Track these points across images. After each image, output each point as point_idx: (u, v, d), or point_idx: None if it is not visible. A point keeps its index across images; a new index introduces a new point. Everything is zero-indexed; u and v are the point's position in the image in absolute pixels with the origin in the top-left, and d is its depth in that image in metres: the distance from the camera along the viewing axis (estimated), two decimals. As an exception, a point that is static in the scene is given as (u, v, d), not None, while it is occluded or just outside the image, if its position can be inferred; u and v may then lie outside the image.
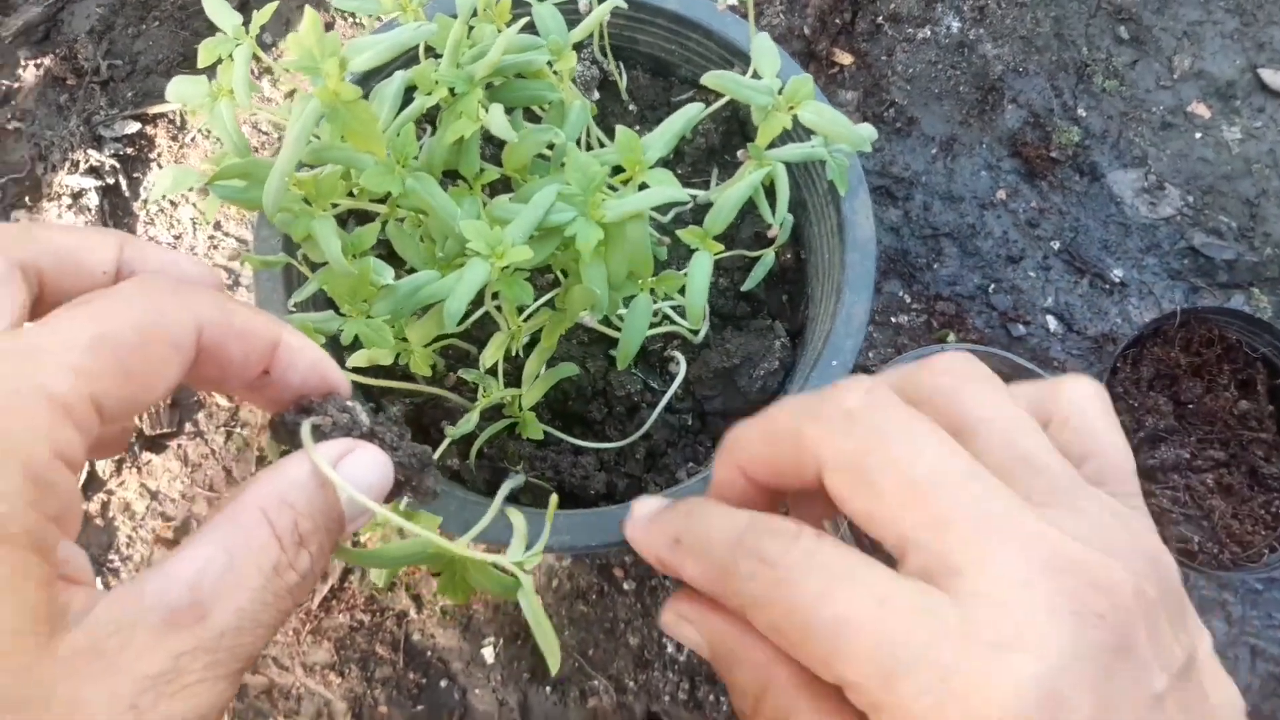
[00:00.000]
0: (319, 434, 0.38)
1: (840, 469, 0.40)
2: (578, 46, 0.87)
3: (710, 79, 0.67)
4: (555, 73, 0.73)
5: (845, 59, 1.21)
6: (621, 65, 0.88)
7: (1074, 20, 1.24)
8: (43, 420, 0.31)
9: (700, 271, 0.66)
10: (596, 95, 0.87)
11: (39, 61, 1.24)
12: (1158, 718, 0.35)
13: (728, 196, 0.67)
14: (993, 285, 1.10)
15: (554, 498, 0.55)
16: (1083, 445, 0.42)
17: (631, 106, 0.88)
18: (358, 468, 0.39)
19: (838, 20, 1.23)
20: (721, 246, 0.68)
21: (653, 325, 0.81)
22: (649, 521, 0.46)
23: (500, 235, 0.63)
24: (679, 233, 0.70)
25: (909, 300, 1.09)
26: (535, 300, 0.76)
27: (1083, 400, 0.43)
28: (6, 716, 0.28)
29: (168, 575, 0.32)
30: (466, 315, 0.80)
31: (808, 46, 1.21)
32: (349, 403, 0.41)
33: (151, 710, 0.30)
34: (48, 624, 0.29)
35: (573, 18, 0.76)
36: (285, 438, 0.39)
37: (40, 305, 0.37)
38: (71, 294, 0.37)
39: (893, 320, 1.08)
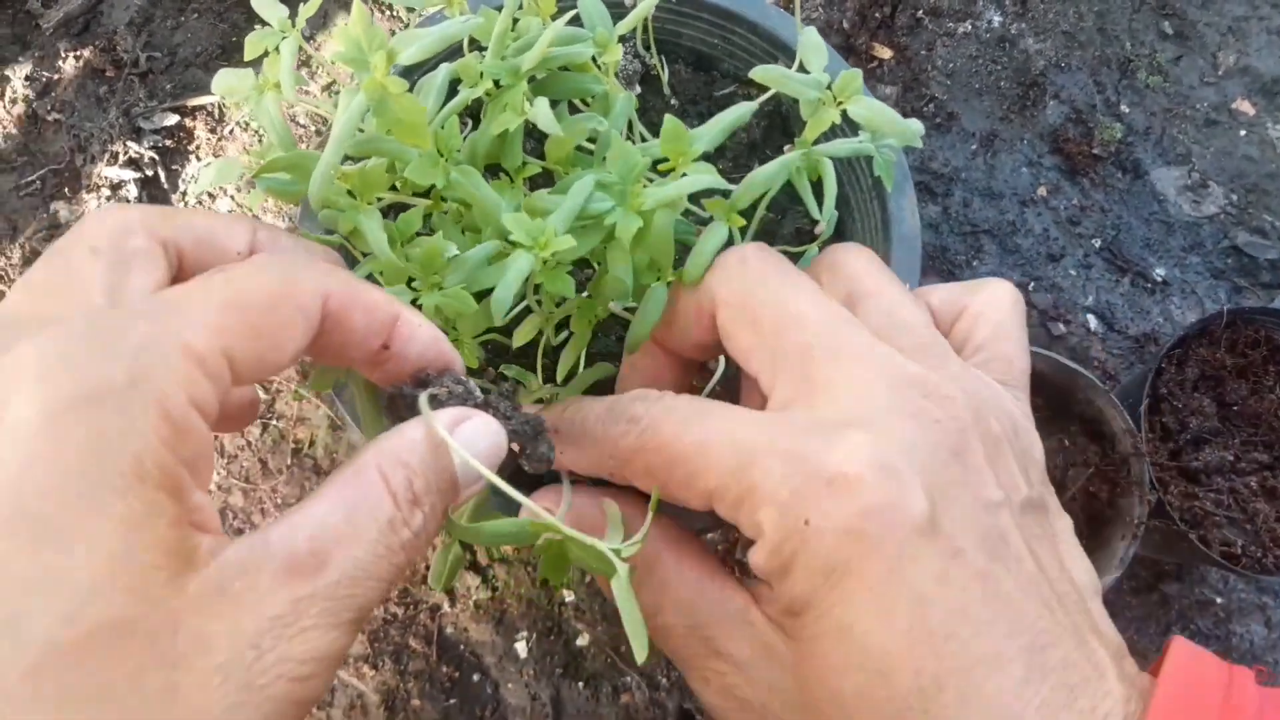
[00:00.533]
0: (435, 403, 0.40)
1: (730, 305, 0.49)
2: (621, 40, 0.87)
3: (759, 73, 0.67)
4: (600, 66, 0.73)
5: (885, 53, 1.20)
6: (664, 59, 0.87)
7: (1117, 15, 1.22)
8: (179, 368, 0.33)
9: (713, 238, 0.65)
10: (638, 89, 0.86)
11: (79, 53, 1.25)
12: (990, 520, 0.41)
13: (758, 171, 0.66)
14: (1032, 283, 1.08)
15: (655, 491, 0.51)
16: (980, 336, 0.48)
17: (673, 101, 0.87)
18: (471, 433, 0.40)
19: (877, 14, 1.21)
20: (743, 221, 0.67)
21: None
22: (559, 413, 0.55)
23: (542, 226, 0.63)
24: (705, 202, 0.69)
25: (947, 298, 1.08)
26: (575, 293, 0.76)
27: (995, 299, 0.48)
28: (136, 644, 0.29)
29: (291, 525, 0.34)
30: (510, 308, 0.80)
31: (847, 40, 1.20)
32: (463, 377, 0.44)
33: (271, 650, 0.31)
34: (178, 561, 0.31)
35: (616, 11, 0.75)
36: (404, 410, 0.40)
37: (180, 279, 0.40)
38: (208, 269, 0.39)
39: (931, 318, 1.07)
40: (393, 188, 0.73)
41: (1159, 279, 1.09)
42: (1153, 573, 0.99)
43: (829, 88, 0.68)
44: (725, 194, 0.79)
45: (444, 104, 0.70)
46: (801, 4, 1.21)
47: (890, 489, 0.40)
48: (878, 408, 0.42)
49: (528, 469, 0.43)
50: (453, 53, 0.84)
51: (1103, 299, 1.08)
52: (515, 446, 0.43)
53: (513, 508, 0.48)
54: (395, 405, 0.41)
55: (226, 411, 0.37)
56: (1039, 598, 0.40)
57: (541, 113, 0.65)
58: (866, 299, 0.47)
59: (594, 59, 0.72)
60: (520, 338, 0.75)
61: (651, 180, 0.69)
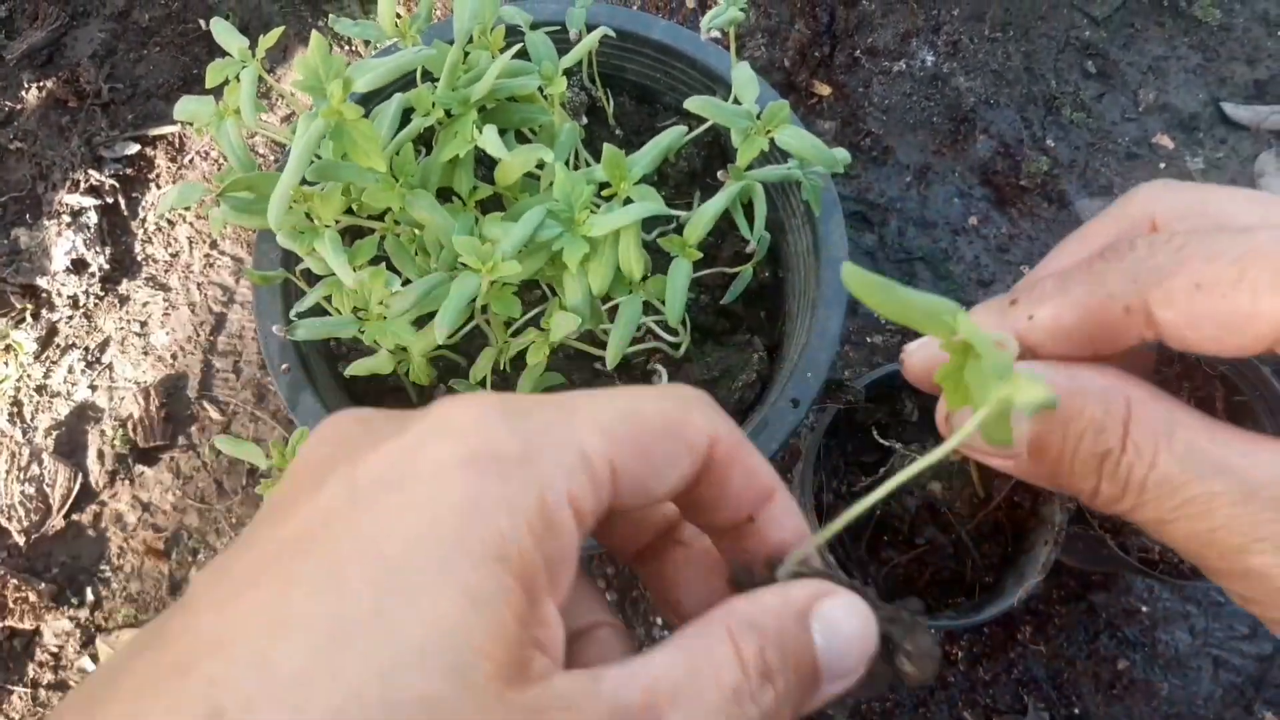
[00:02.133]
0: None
1: (1172, 217, 0.40)
2: (567, 73, 0.91)
3: (693, 104, 0.71)
4: (546, 97, 0.77)
5: (824, 90, 1.26)
6: (609, 92, 0.92)
7: (1043, 55, 1.29)
8: (566, 461, 0.31)
9: (679, 275, 0.69)
10: (585, 120, 0.91)
11: (42, 84, 1.27)
12: None
13: (706, 207, 0.71)
14: (965, 308, 1.14)
15: None
16: None
17: (618, 131, 0.92)
18: (836, 611, 0.34)
19: (817, 53, 1.27)
20: (700, 254, 0.71)
21: (636, 340, 0.84)
22: (979, 312, 0.44)
23: (491, 250, 0.66)
24: (660, 240, 0.73)
25: (883, 321, 1.13)
26: (523, 316, 0.79)
27: None
28: None
29: (630, 671, 0.31)
30: (459, 328, 0.83)
31: (788, 78, 1.26)
32: (820, 566, 0.38)
33: None
34: (507, 663, 0.28)
35: (563, 45, 0.80)
36: (747, 588, 0.36)
37: None
38: None
39: (868, 340, 1.12)
40: (350, 211, 0.76)
41: (1083, 303, 1.14)
42: (1081, 583, 1.03)
43: (759, 118, 0.73)
44: (670, 220, 0.84)
45: (398, 131, 0.74)
46: (744, 43, 1.26)
47: None
48: None
49: (908, 670, 0.36)
50: (407, 83, 0.88)
51: (1031, 322, 1.13)
52: (885, 632, 0.36)
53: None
54: (740, 583, 0.37)
55: (608, 533, 0.36)
56: None
57: (490, 140, 0.69)
58: None
59: (541, 91, 0.76)
60: (478, 372, 0.79)
61: (599, 206, 0.73)
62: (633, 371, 0.85)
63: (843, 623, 0.33)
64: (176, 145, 1.25)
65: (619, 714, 0.29)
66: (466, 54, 0.79)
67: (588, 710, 0.29)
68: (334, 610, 0.27)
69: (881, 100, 1.25)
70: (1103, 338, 0.39)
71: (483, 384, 0.78)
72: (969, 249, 1.17)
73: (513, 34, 0.79)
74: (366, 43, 1.31)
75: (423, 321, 0.74)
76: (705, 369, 0.84)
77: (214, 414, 1.08)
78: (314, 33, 0.70)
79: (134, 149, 1.24)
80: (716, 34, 0.76)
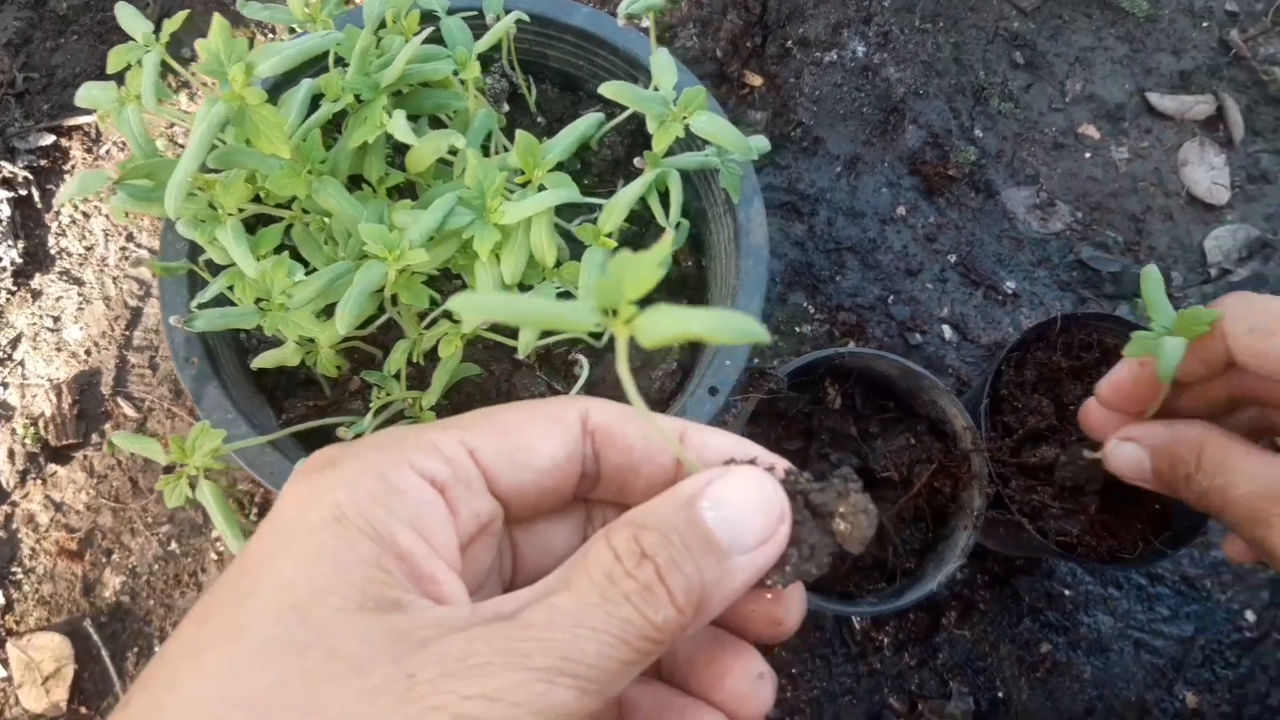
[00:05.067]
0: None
1: None
2: (488, 60, 0.90)
3: (608, 89, 0.71)
4: (461, 82, 0.76)
5: (756, 80, 1.26)
6: (531, 79, 0.91)
7: (973, 46, 1.30)
8: (407, 443, 0.36)
9: (593, 264, 0.68)
10: (506, 108, 0.89)
11: (-50, 72, 1.23)
12: None
13: (620, 195, 0.70)
14: (892, 296, 1.14)
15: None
16: None
17: (540, 119, 0.91)
18: (727, 486, 0.36)
19: (749, 44, 1.27)
20: (615, 243, 0.70)
21: (557, 330, 0.83)
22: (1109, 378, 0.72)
23: (398, 238, 0.65)
24: (574, 229, 0.72)
25: (813, 311, 1.13)
26: (438, 305, 0.78)
27: None
28: (284, 656, 0.30)
29: (514, 594, 0.34)
30: (372, 319, 0.82)
31: (720, 68, 1.26)
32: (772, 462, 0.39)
33: (428, 681, 0.30)
34: (364, 600, 0.32)
35: (481, 31, 0.78)
36: None
37: None
38: None
39: (797, 330, 1.12)
40: (258, 199, 0.75)
41: (1009, 291, 1.16)
42: (1005, 567, 1.04)
43: (674, 104, 0.72)
44: (592, 209, 0.83)
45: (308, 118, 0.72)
46: (676, 33, 1.26)
47: None
48: None
49: (843, 529, 0.37)
50: (323, 70, 0.86)
51: (957, 310, 1.14)
52: (824, 511, 0.37)
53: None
54: None
55: (525, 502, 0.39)
56: None
57: (398, 125, 0.68)
58: None
59: (456, 75, 0.75)
60: (393, 365, 0.77)
61: (513, 194, 0.72)
62: (554, 362, 0.84)
63: (733, 495, 0.35)
64: (92, 136, 1.22)
65: (479, 616, 0.32)
66: (380, 39, 0.77)
67: (455, 622, 0.32)
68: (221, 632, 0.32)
69: (813, 91, 1.25)
70: (1199, 354, 0.64)
71: (397, 377, 0.77)
72: (897, 238, 1.18)
73: (430, 19, 0.78)
74: (293, 30, 1.28)
75: (331, 312, 0.73)
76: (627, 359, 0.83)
77: (129, 411, 1.05)
78: (216, 16, 0.68)
79: (49, 140, 1.20)
80: (635, 21, 0.76)
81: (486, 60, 0.89)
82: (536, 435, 0.39)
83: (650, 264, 0.32)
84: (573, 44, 0.88)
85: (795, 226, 1.18)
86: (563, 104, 0.92)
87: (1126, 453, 0.73)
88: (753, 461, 0.38)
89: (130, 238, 1.15)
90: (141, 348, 1.09)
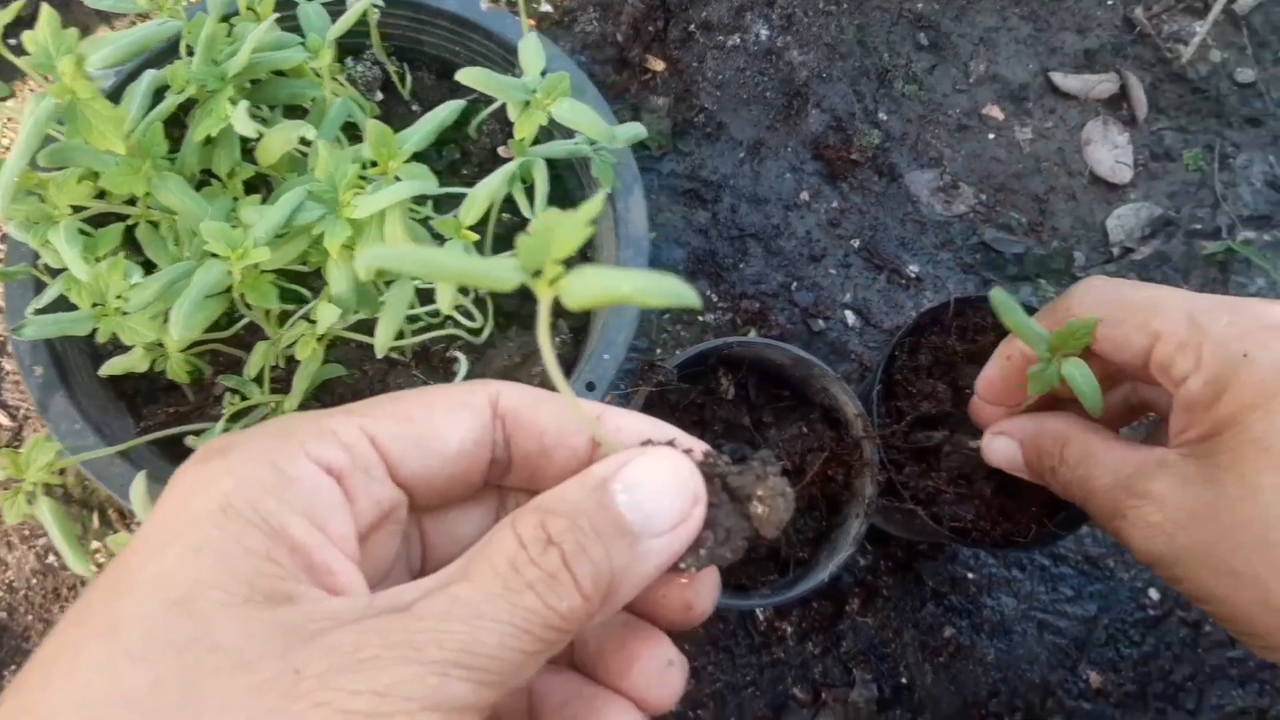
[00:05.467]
0: None
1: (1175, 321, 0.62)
2: (361, 48, 0.87)
3: (465, 75, 0.68)
4: (317, 72, 0.73)
5: (658, 65, 1.24)
6: (406, 66, 0.88)
7: (876, 28, 1.29)
8: (300, 430, 0.35)
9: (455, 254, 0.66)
10: (380, 96, 0.87)
11: None
12: None
13: (480, 186, 0.68)
14: (795, 283, 1.13)
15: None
16: None
17: (415, 107, 0.88)
18: (639, 468, 0.35)
19: (650, 28, 1.25)
20: (477, 236, 0.68)
21: (435, 326, 0.81)
22: (989, 362, 0.76)
23: (242, 236, 0.62)
24: (433, 222, 0.70)
25: (716, 299, 1.12)
26: (299, 305, 0.75)
27: None
28: (166, 652, 0.29)
29: (414, 583, 0.33)
30: (234, 320, 0.78)
31: (621, 53, 1.23)
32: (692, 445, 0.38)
33: (315, 676, 0.29)
34: (251, 593, 0.30)
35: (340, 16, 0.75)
36: None
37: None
38: None
39: (700, 319, 1.11)
40: (103, 197, 0.71)
41: (913, 275, 1.15)
42: (908, 553, 1.04)
43: (537, 90, 0.70)
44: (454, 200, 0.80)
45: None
46: (576, 17, 1.23)
47: None
48: None
49: (759, 511, 0.36)
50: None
51: (860, 296, 1.13)
52: (741, 493, 0.36)
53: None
54: None
55: (432, 488, 0.38)
56: None
57: (239, 117, 0.65)
58: None
59: (311, 64, 0.72)
60: (253, 368, 0.74)
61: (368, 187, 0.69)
62: (432, 360, 0.82)
63: (647, 477, 0.34)
64: (-36, 130, 1.16)
65: (371, 608, 0.31)
66: (233, 25, 0.74)
67: (347, 615, 0.30)
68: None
69: (716, 75, 1.23)
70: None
71: (259, 380, 0.74)
72: (801, 224, 1.16)
73: (288, 3, 0.75)
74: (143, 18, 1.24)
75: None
76: (507, 355, 0.81)
77: (3, 419, 1.01)
78: (44, 6, 0.65)
79: (-82, 135, 1.15)
80: (496, 4, 0.73)
81: (358, 48, 0.86)
82: (443, 420, 0.38)
83: (579, 222, 0.31)
84: (447, 29, 0.85)
85: (698, 214, 1.16)
86: (440, 91, 0.89)
87: (999, 446, 0.75)
88: (671, 443, 0.37)
89: (4, 238, 1.10)
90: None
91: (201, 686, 0.28)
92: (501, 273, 0.31)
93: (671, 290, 0.30)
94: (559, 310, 0.86)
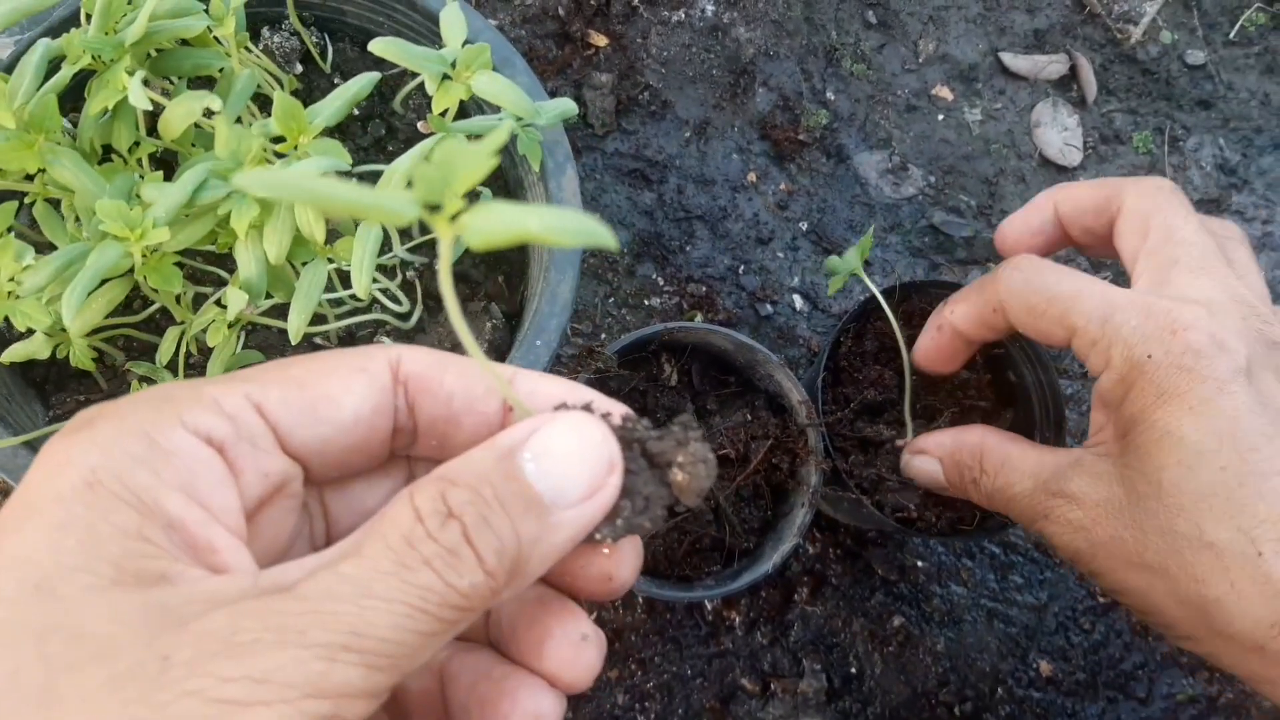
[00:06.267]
0: None
1: (1135, 212, 0.65)
2: (279, 18, 0.83)
3: (378, 46, 0.64)
4: (223, 41, 0.68)
5: (600, 41, 1.20)
6: (328, 38, 0.84)
7: (824, 5, 1.26)
8: (179, 399, 0.32)
9: (367, 239, 0.62)
10: (299, 68, 0.82)
11: None
12: None
13: (397, 163, 0.64)
14: (742, 266, 1.10)
15: None
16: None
17: (337, 80, 0.84)
18: (550, 435, 0.33)
19: (593, 1, 1.21)
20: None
21: (360, 310, 0.77)
22: (925, 328, 0.78)
23: (140, 215, 0.58)
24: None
25: (662, 283, 1.09)
26: (216, 288, 0.71)
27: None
28: (21, 640, 0.27)
29: (300, 561, 0.31)
30: (146, 304, 0.74)
31: (563, 27, 1.20)
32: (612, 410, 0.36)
33: (185, 663, 0.26)
34: (121, 574, 0.28)
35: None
36: None
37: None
38: None
39: (646, 303, 1.08)
40: (-4, 174, 0.66)
41: (862, 258, 1.13)
42: (857, 541, 1.02)
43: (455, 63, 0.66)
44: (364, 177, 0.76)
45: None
46: (516, -9, 1.19)
47: (1219, 339, 0.57)
48: (1217, 301, 0.59)
49: (680, 479, 0.34)
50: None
51: (808, 280, 1.11)
52: (662, 460, 0.34)
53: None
54: None
55: (327, 461, 0.36)
56: None
57: (134, 89, 0.60)
58: (1237, 253, 0.65)
59: (213, 32, 0.68)
60: (163, 354, 0.70)
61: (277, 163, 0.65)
62: (358, 345, 0.78)
63: (558, 444, 0.32)
64: None
65: (249, 590, 0.29)
66: (135, -7, 0.70)
67: (223, 595, 0.28)
68: None
69: (660, 52, 1.20)
70: (987, 323, 0.70)
71: (170, 366, 0.70)
72: (748, 206, 1.14)
73: (197, -29, 0.70)
74: None
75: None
76: (437, 340, 0.77)
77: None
78: (-81, -35, 0.60)
79: None
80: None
81: (277, 18, 0.82)
82: (337, 387, 0.35)
83: (483, 154, 0.29)
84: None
85: (644, 195, 1.13)
86: (364, 64, 0.85)
87: (919, 465, 0.77)
88: (587, 407, 0.35)
89: None
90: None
91: (60, 677, 0.26)
92: (396, 205, 0.28)
93: (585, 229, 0.27)
94: (493, 294, 0.83)
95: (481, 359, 0.33)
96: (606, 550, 0.36)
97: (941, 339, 0.76)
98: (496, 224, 0.27)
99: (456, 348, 0.78)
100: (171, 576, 0.29)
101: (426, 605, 0.29)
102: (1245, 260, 0.66)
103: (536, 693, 0.36)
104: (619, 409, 0.36)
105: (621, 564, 0.37)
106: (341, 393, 0.35)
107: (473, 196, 0.83)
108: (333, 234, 0.65)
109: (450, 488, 0.31)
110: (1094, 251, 0.74)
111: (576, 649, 0.37)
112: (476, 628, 0.40)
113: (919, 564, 1.03)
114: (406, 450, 0.39)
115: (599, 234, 0.28)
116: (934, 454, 0.75)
